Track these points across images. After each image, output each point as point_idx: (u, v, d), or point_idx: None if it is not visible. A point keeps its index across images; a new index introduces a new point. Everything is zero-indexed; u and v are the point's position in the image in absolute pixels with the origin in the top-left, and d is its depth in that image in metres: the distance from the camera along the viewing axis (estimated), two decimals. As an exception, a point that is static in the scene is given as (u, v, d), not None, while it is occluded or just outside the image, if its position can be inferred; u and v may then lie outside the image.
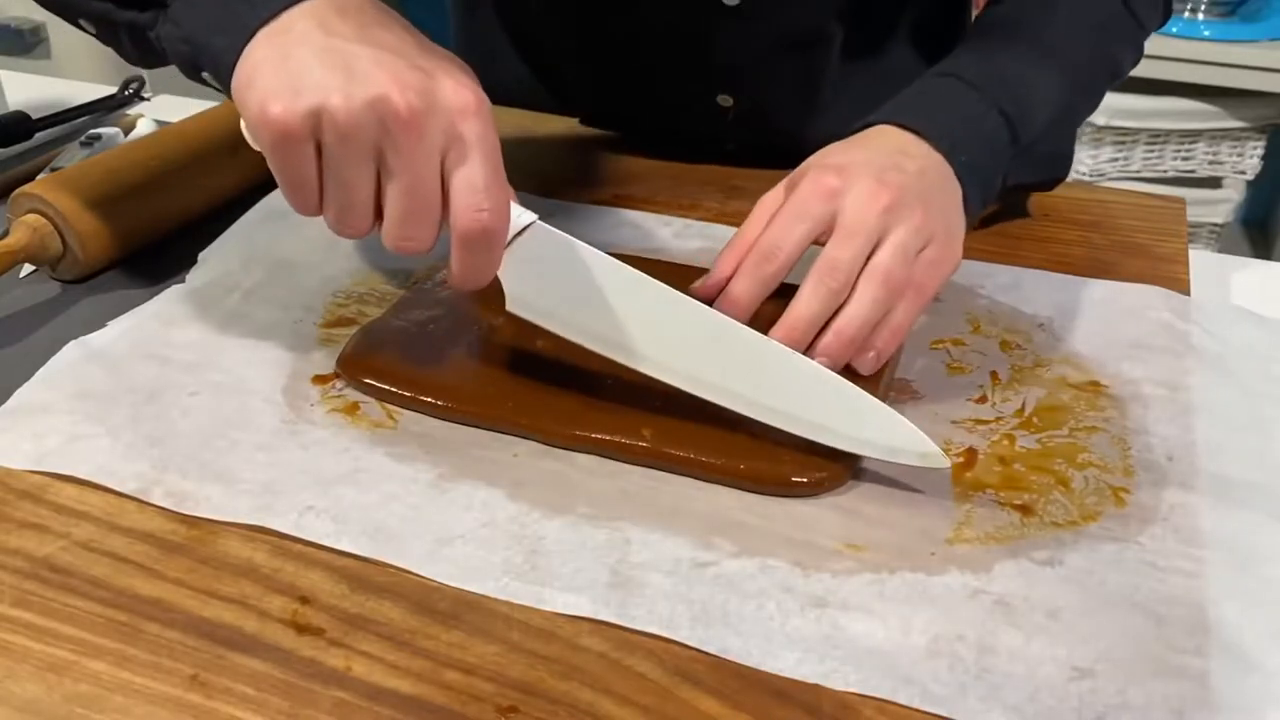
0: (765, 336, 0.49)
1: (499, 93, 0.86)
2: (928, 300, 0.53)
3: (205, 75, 0.50)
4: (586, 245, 0.49)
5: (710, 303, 0.52)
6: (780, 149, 0.77)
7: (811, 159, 0.56)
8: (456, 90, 0.46)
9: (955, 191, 0.56)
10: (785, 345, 0.49)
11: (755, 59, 0.73)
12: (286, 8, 0.46)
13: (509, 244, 0.48)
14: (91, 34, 0.55)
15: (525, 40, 0.82)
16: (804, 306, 0.51)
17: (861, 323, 0.51)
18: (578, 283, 0.49)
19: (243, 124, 0.48)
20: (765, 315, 0.52)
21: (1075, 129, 0.70)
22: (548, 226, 0.49)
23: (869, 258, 0.52)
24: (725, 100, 0.75)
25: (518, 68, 0.84)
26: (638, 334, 0.49)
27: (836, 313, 0.51)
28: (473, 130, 0.46)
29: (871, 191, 0.52)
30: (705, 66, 0.74)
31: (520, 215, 0.49)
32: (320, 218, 0.48)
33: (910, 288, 0.52)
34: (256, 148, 0.47)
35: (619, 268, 0.49)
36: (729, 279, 0.54)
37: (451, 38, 0.90)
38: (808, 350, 0.51)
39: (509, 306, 0.50)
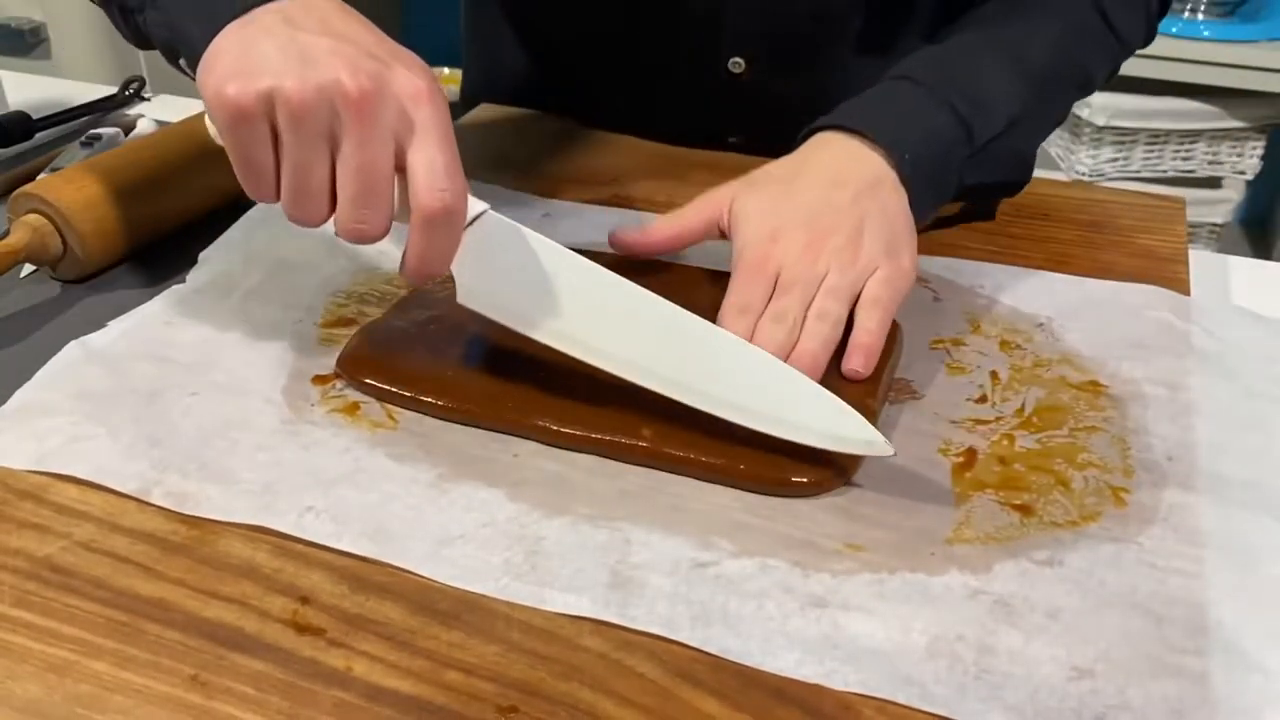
0: (717, 327, 0.50)
1: (503, 86, 0.87)
2: (889, 310, 0.55)
3: (182, 63, 0.52)
4: (538, 234, 0.50)
5: (630, 255, 0.60)
6: (783, 138, 0.78)
7: (754, 196, 0.58)
8: (409, 77, 0.47)
9: (896, 200, 0.58)
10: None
11: (772, 25, 0.74)
12: (258, 3, 0.48)
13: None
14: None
15: (531, 20, 0.82)
16: (763, 344, 0.52)
17: (818, 345, 0.53)
18: (529, 271, 0.49)
19: (207, 118, 0.49)
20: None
21: (1037, 135, 0.69)
22: (500, 215, 0.49)
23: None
24: (736, 65, 0.76)
25: (522, 55, 0.85)
26: (587, 324, 0.49)
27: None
28: (426, 115, 0.47)
29: (803, 246, 0.55)
30: (720, 26, 0.75)
31: (473, 204, 0.49)
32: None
33: (869, 302, 0.55)
34: (217, 140, 0.48)
35: (570, 256, 0.50)
36: (655, 248, 0.60)
37: (461, 31, 0.90)
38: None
39: (460, 298, 0.50)
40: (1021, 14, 0.66)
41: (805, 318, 0.54)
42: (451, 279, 0.51)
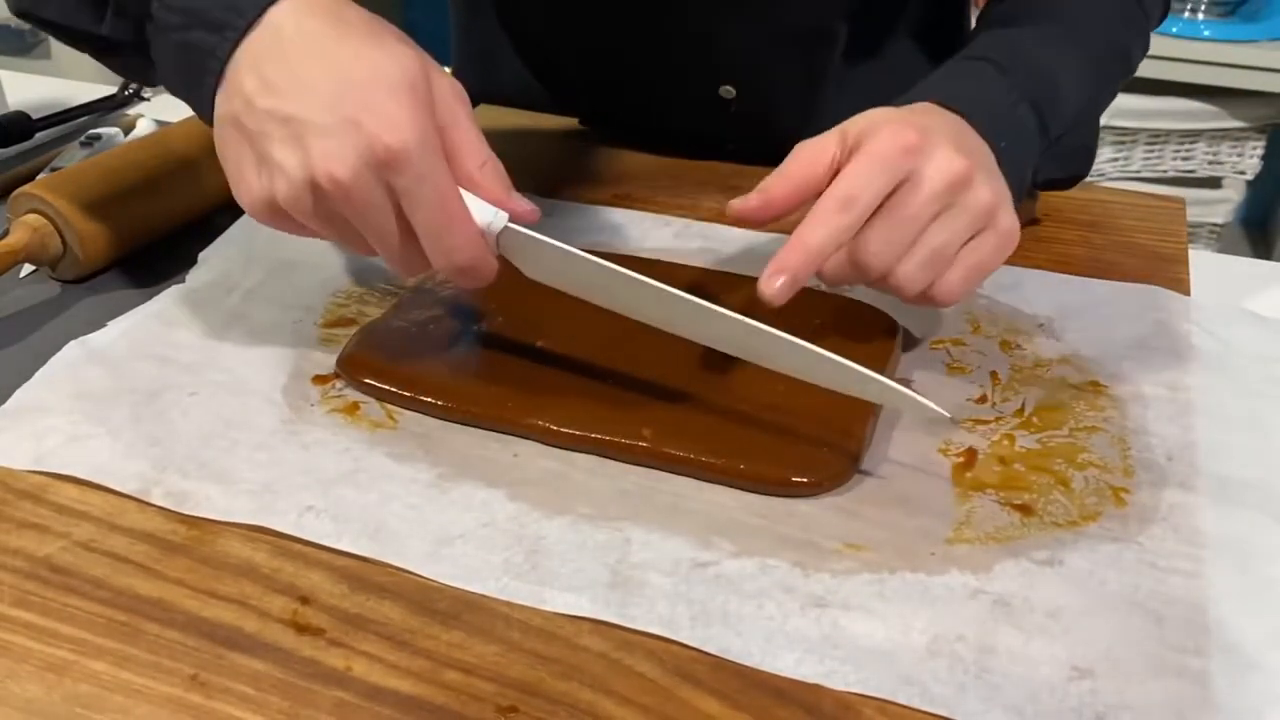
0: (756, 323, 0.48)
1: (499, 93, 0.87)
2: (1006, 250, 0.51)
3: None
4: (557, 243, 0.49)
5: (750, 225, 0.53)
6: (781, 148, 0.78)
7: (879, 113, 0.53)
8: (382, 133, 0.44)
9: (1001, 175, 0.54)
10: (857, 258, 0.49)
11: (758, 50, 0.73)
12: (236, 43, 0.47)
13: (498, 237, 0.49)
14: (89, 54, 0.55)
15: (526, 39, 0.82)
16: (876, 235, 0.49)
17: (942, 243, 0.49)
18: (556, 276, 0.50)
19: None
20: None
21: (1096, 122, 0.67)
22: (516, 228, 0.49)
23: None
24: (727, 91, 0.75)
25: (518, 68, 0.84)
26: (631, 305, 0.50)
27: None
28: (408, 179, 0.45)
29: (950, 158, 0.50)
30: (707, 56, 0.74)
31: (495, 216, 0.48)
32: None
33: (990, 231, 0.51)
34: None
35: (593, 263, 0.49)
36: (777, 208, 0.52)
37: (451, 38, 0.90)
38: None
39: (527, 273, 0.51)
40: (1071, 3, 0.64)
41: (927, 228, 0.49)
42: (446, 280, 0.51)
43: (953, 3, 0.81)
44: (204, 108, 0.48)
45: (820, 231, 0.49)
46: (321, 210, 0.46)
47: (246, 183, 0.47)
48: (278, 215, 0.47)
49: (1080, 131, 0.63)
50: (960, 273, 0.51)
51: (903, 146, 0.49)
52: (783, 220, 0.71)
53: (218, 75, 0.47)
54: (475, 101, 0.89)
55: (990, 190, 0.50)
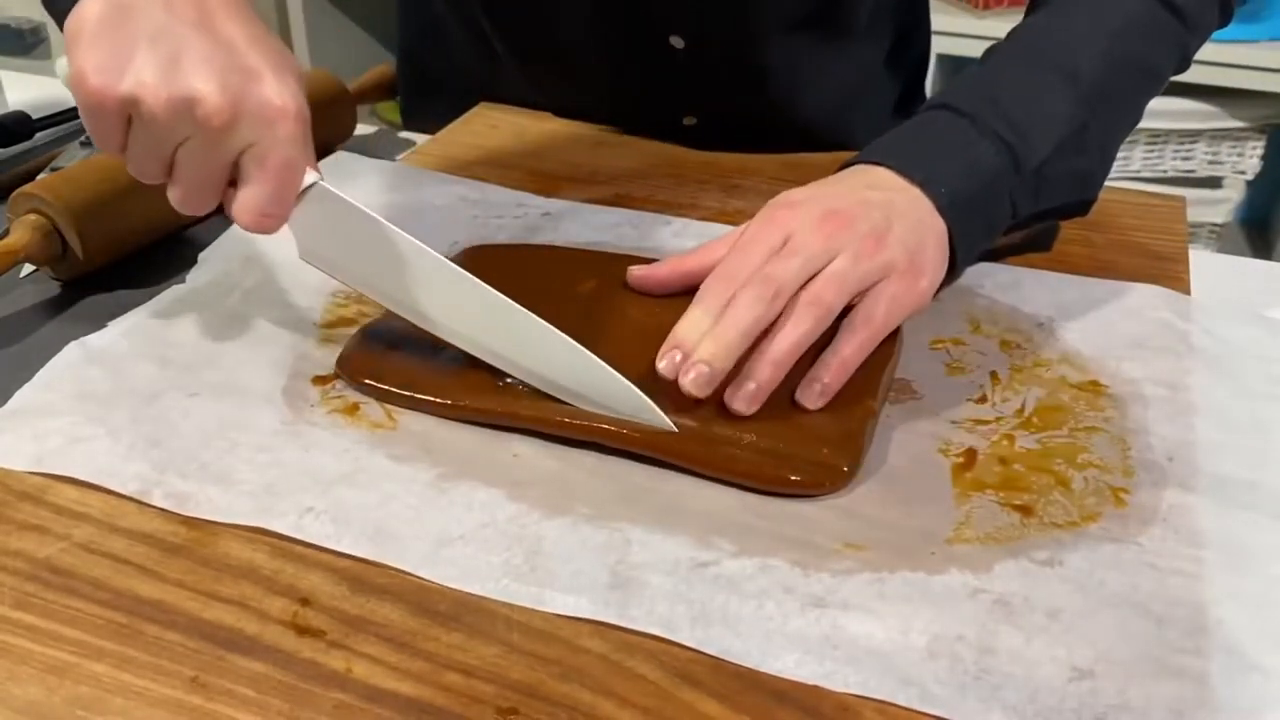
0: (530, 313, 0.50)
1: (448, 69, 0.87)
2: (878, 334, 0.52)
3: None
4: (365, 210, 0.51)
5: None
6: (737, 117, 0.77)
7: (772, 200, 0.56)
8: (274, 92, 0.47)
9: (932, 225, 0.55)
10: (715, 356, 0.49)
11: (701, 6, 0.73)
12: None
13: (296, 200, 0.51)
14: None
15: (470, 11, 0.82)
16: (734, 315, 0.49)
17: (789, 346, 0.50)
18: (357, 243, 0.51)
19: (60, 70, 0.51)
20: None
21: (1102, 145, 0.63)
22: (328, 188, 0.51)
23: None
24: (677, 41, 0.75)
25: (462, 41, 0.85)
26: (416, 296, 0.51)
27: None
28: (278, 136, 0.48)
29: (819, 219, 0.52)
30: (655, 6, 0.74)
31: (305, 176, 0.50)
32: None
33: (859, 320, 0.52)
34: (66, 85, 0.50)
35: (395, 234, 0.51)
36: (661, 283, 0.57)
37: (398, 19, 0.91)
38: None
39: (300, 256, 0.52)
40: (1070, 19, 0.62)
41: (794, 300, 0.50)
42: None
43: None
44: None
45: (702, 309, 0.51)
46: (163, 130, 0.47)
47: (115, 63, 0.46)
48: (106, 111, 0.46)
49: (1078, 157, 0.61)
50: (847, 333, 0.52)
51: (774, 222, 0.53)
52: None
53: None
54: (426, 86, 0.90)
55: (874, 241, 0.52)
